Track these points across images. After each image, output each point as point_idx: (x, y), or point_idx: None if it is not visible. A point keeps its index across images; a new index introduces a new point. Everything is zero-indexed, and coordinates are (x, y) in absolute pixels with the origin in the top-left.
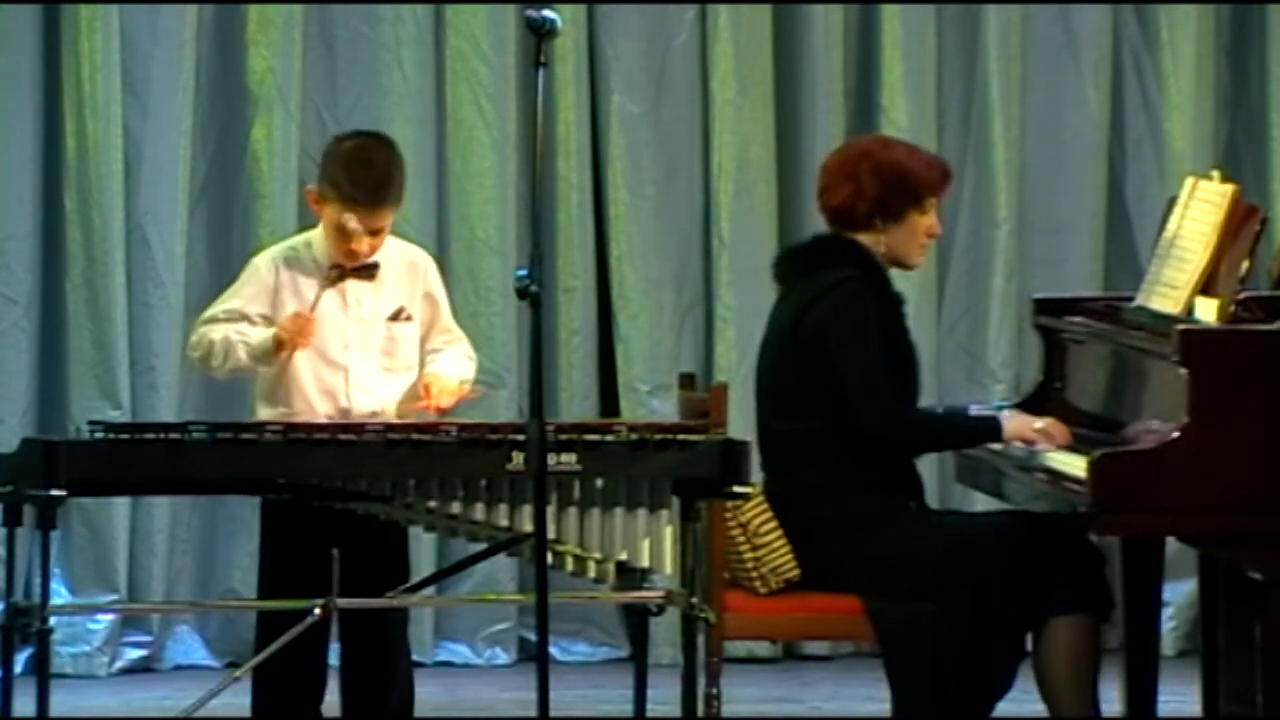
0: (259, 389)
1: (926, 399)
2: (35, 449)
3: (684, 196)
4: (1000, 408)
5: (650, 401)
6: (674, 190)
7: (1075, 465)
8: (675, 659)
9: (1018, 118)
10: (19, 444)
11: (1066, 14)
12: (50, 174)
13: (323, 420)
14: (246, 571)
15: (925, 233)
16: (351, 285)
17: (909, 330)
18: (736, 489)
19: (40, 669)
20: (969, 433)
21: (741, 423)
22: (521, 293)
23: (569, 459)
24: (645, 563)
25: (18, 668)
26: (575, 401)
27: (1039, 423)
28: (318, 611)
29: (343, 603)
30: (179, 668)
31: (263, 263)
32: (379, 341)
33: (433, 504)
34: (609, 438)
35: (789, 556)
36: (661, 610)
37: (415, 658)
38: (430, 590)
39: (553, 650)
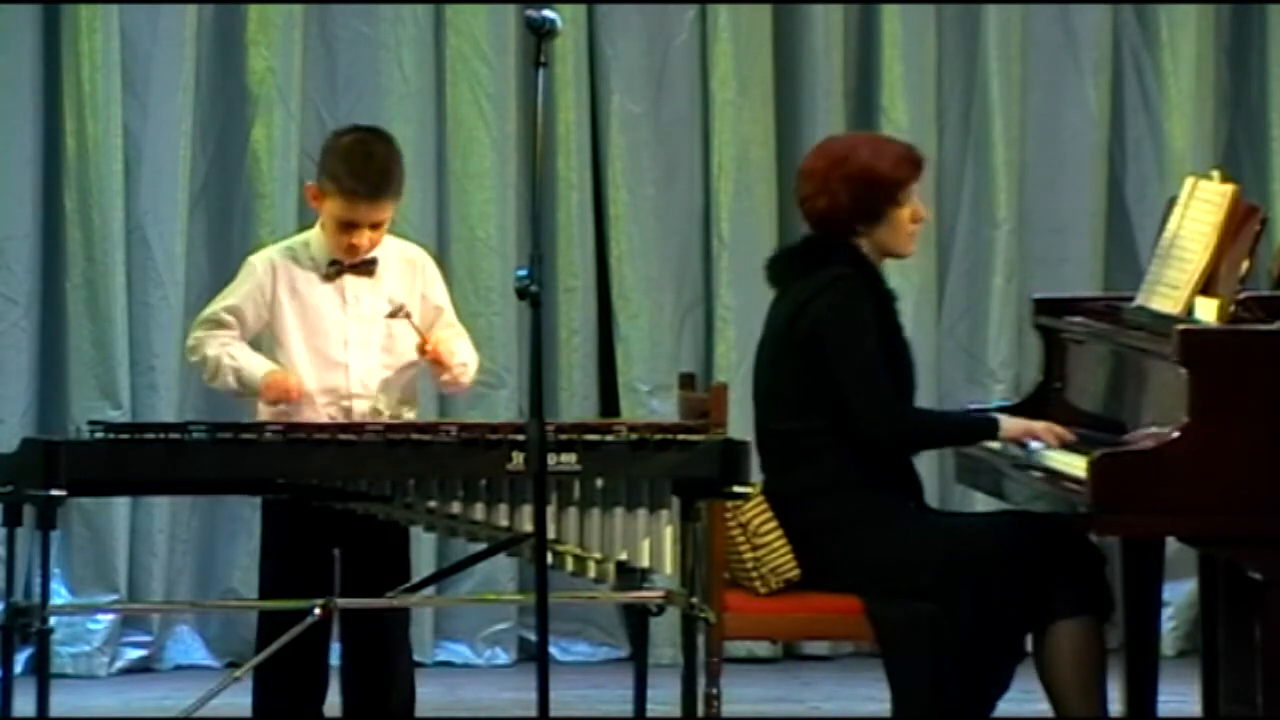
0: None
1: (926, 399)
2: (35, 449)
3: (684, 196)
4: (1001, 408)
5: (650, 401)
6: (674, 190)
7: (1075, 465)
8: (675, 659)
9: (1018, 118)
10: (19, 444)
11: (1066, 14)
12: (50, 174)
13: (325, 419)
14: (246, 571)
15: (910, 221)
16: (350, 282)
17: (903, 328)
18: (736, 489)
19: (40, 669)
20: (966, 430)
21: (741, 423)
22: (521, 293)
23: (569, 459)
24: (645, 563)
25: (18, 668)
26: (575, 401)
27: (1037, 423)
28: (318, 611)
29: (343, 603)
30: (179, 668)
31: (259, 261)
32: (379, 338)
33: (433, 504)
34: (609, 438)
35: (789, 556)
36: (661, 610)
37: (415, 658)
38: (430, 590)
39: (553, 650)
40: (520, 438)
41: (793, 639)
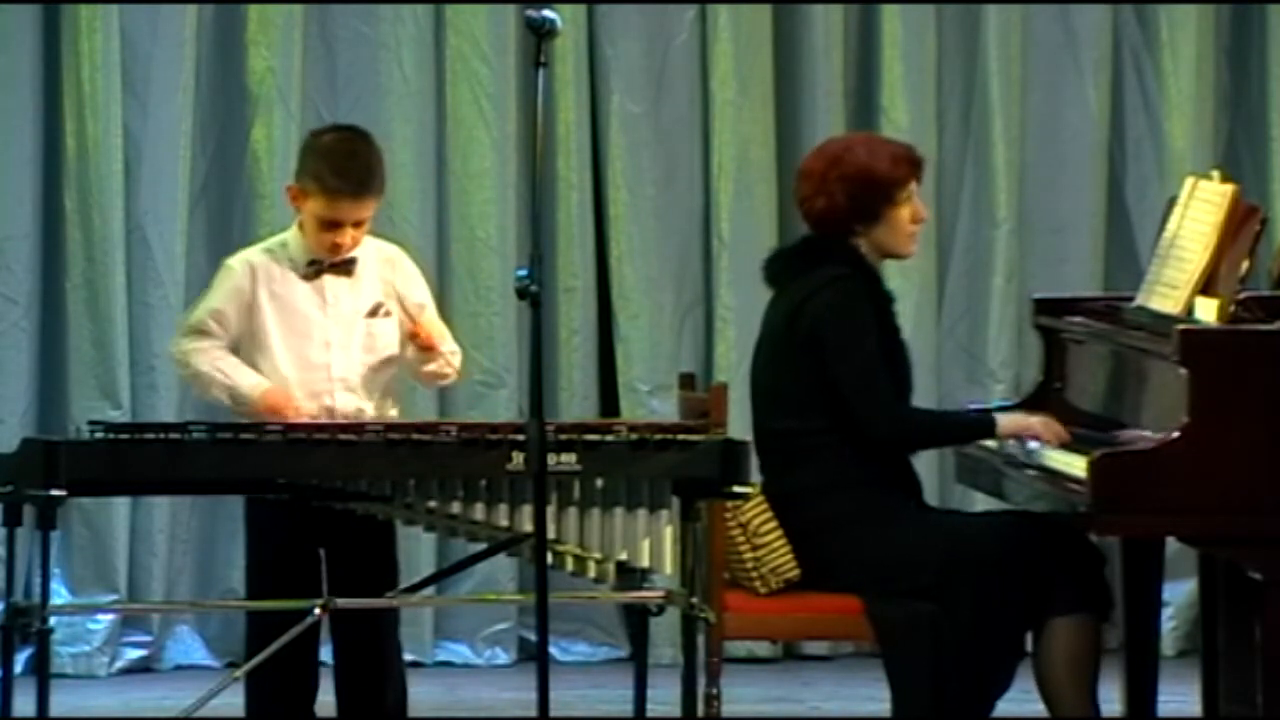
0: None
1: (926, 399)
2: (35, 449)
3: (684, 196)
4: (1001, 408)
5: (650, 401)
6: (674, 190)
7: (1075, 465)
8: (675, 659)
9: (1018, 118)
10: (19, 444)
11: (1066, 14)
12: (50, 174)
13: (307, 420)
14: (244, 571)
15: (910, 221)
16: (329, 282)
17: (900, 328)
18: (736, 489)
19: (40, 669)
20: (965, 429)
21: (741, 423)
22: (521, 293)
23: (569, 459)
24: (645, 563)
25: (18, 668)
26: (575, 401)
27: (1034, 418)
28: (317, 611)
29: (342, 603)
30: (179, 668)
31: (237, 263)
32: (359, 338)
33: (433, 504)
34: (609, 438)
35: (789, 556)
36: (661, 610)
37: (415, 658)
38: (430, 590)
39: (553, 650)
40: (520, 438)
41: (793, 639)
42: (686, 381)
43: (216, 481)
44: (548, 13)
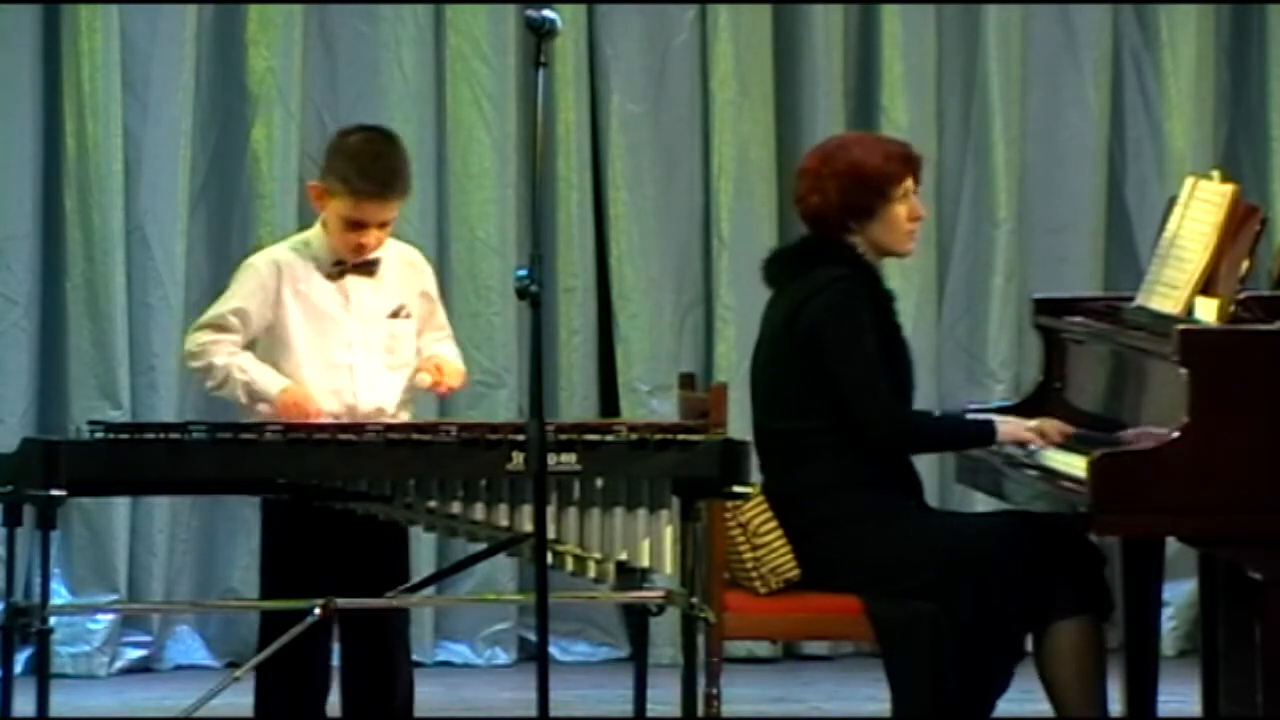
0: None
1: (926, 399)
2: (35, 449)
3: (684, 196)
4: (1001, 409)
5: (650, 401)
6: (674, 190)
7: (1075, 465)
8: (675, 659)
9: (1018, 118)
10: (19, 444)
11: (1066, 14)
12: (50, 174)
13: (329, 419)
14: (246, 571)
15: (907, 219)
16: (352, 283)
17: (901, 327)
18: (736, 489)
19: (40, 669)
20: (964, 435)
21: (741, 423)
22: (521, 293)
23: (569, 459)
24: (645, 563)
25: (18, 668)
26: (575, 401)
27: (1032, 422)
28: (318, 611)
29: (343, 603)
30: (179, 668)
31: (261, 262)
32: (381, 339)
33: (433, 504)
34: (609, 438)
35: (789, 556)
36: (661, 610)
37: (415, 658)
38: (430, 590)
39: (553, 650)
40: (520, 438)
41: (793, 639)
42: (686, 381)
43: (216, 481)
44: (548, 13)
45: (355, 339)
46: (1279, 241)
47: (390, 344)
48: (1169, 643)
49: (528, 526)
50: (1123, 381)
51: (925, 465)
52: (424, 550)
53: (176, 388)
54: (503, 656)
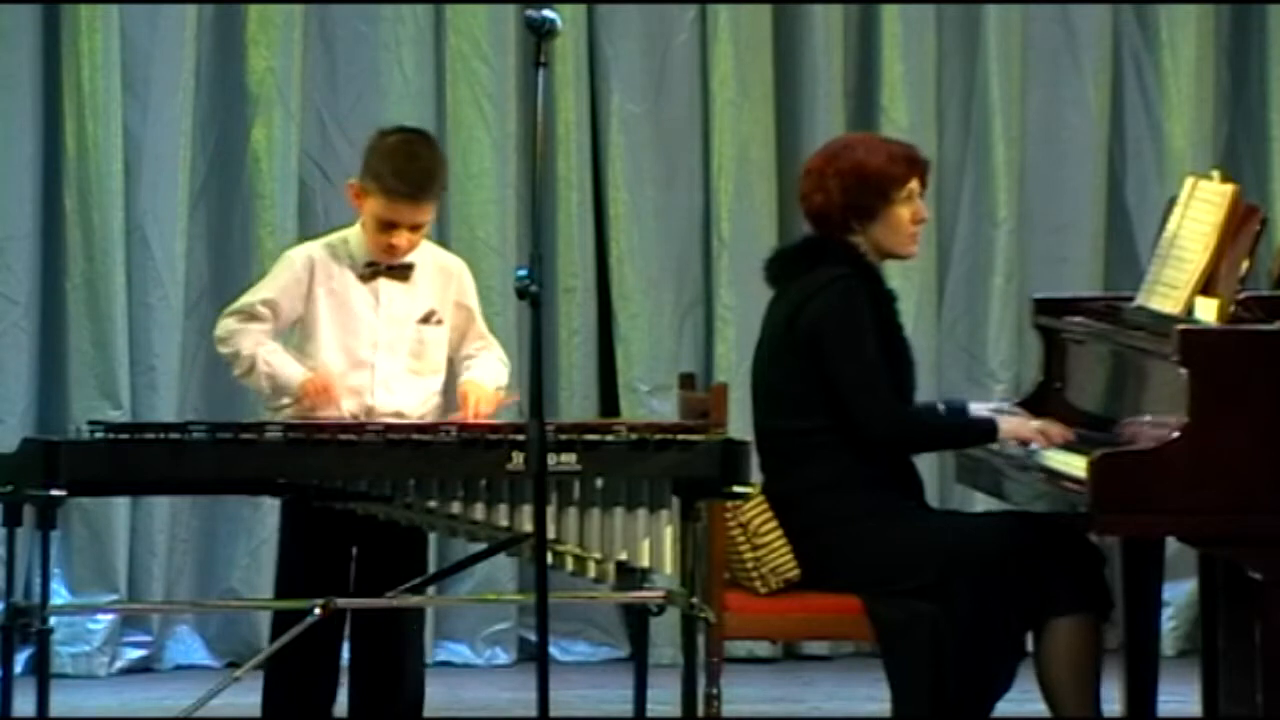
0: None
1: (926, 398)
2: (35, 449)
3: (684, 196)
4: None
5: (650, 401)
6: (674, 190)
7: (1075, 465)
8: (675, 659)
9: (1018, 118)
10: (19, 444)
11: (1066, 14)
12: (50, 174)
13: (348, 416)
14: (246, 571)
15: (910, 221)
16: (384, 285)
17: (903, 327)
18: (736, 489)
19: (40, 669)
20: (965, 432)
21: (741, 423)
22: (521, 293)
23: (569, 459)
24: (645, 563)
25: (18, 668)
26: (575, 401)
27: (1035, 422)
28: (318, 611)
29: (343, 603)
30: (179, 668)
31: (298, 256)
32: (408, 343)
33: (433, 504)
34: (609, 438)
35: (789, 556)
36: (661, 610)
37: None
38: (430, 590)
39: (553, 650)
40: (520, 438)
41: (793, 639)
42: (686, 381)
43: (216, 481)
44: (548, 13)
45: (381, 340)
46: (1279, 241)
47: (417, 349)
48: (1169, 643)
49: (528, 526)
50: (1123, 381)
51: (925, 465)
52: None
53: (176, 388)
54: (503, 656)
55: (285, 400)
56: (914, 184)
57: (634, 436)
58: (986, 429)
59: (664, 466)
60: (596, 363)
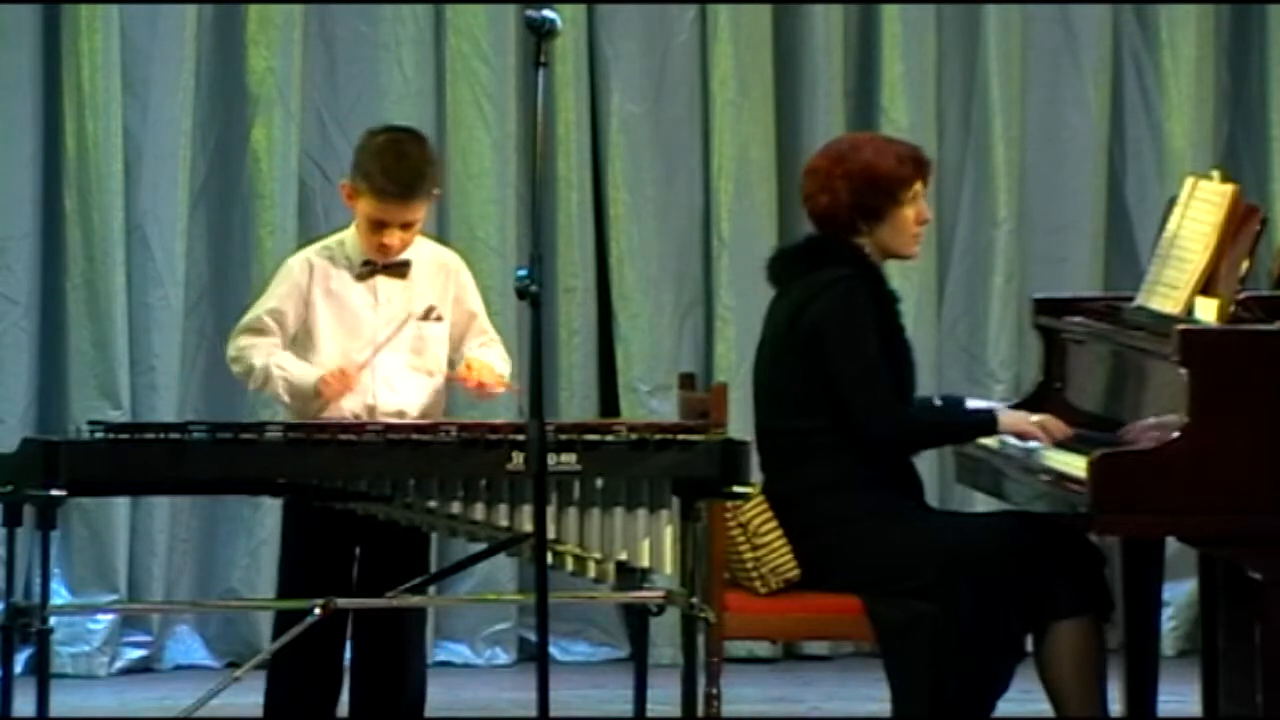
0: None
1: (923, 395)
2: (35, 449)
3: (684, 196)
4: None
5: (650, 401)
6: (674, 190)
7: (1075, 465)
8: (675, 659)
9: (1018, 118)
10: (19, 444)
11: (1066, 14)
12: (50, 174)
13: (350, 417)
14: (246, 571)
15: (914, 223)
16: (382, 283)
17: (904, 328)
18: (736, 489)
19: (40, 669)
20: (966, 428)
21: (741, 423)
22: (521, 293)
23: (569, 459)
24: (645, 563)
25: (18, 668)
26: (575, 401)
27: (1035, 417)
28: (318, 611)
29: (343, 602)
30: (179, 668)
31: (295, 262)
32: (408, 340)
33: (433, 504)
34: (609, 438)
35: (789, 556)
36: (661, 610)
37: None
38: (430, 590)
39: (553, 650)
40: (520, 438)
41: (793, 639)
42: (686, 381)
43: (216, 481)
44: (548, 13)
45: (381, 338)
46: (1279, 241)
47: (418, 345)
48: (1169, 643)
49: (528, 526)
50: (1123, 381)
51: (925, 465)
52: None
53: (176, 388)
54: (503, 656)
55: (315, 405)
56: (919, 185)
57: (634, 436)
58: (986, 423)
59: (664, 466)
60: (596, 363)
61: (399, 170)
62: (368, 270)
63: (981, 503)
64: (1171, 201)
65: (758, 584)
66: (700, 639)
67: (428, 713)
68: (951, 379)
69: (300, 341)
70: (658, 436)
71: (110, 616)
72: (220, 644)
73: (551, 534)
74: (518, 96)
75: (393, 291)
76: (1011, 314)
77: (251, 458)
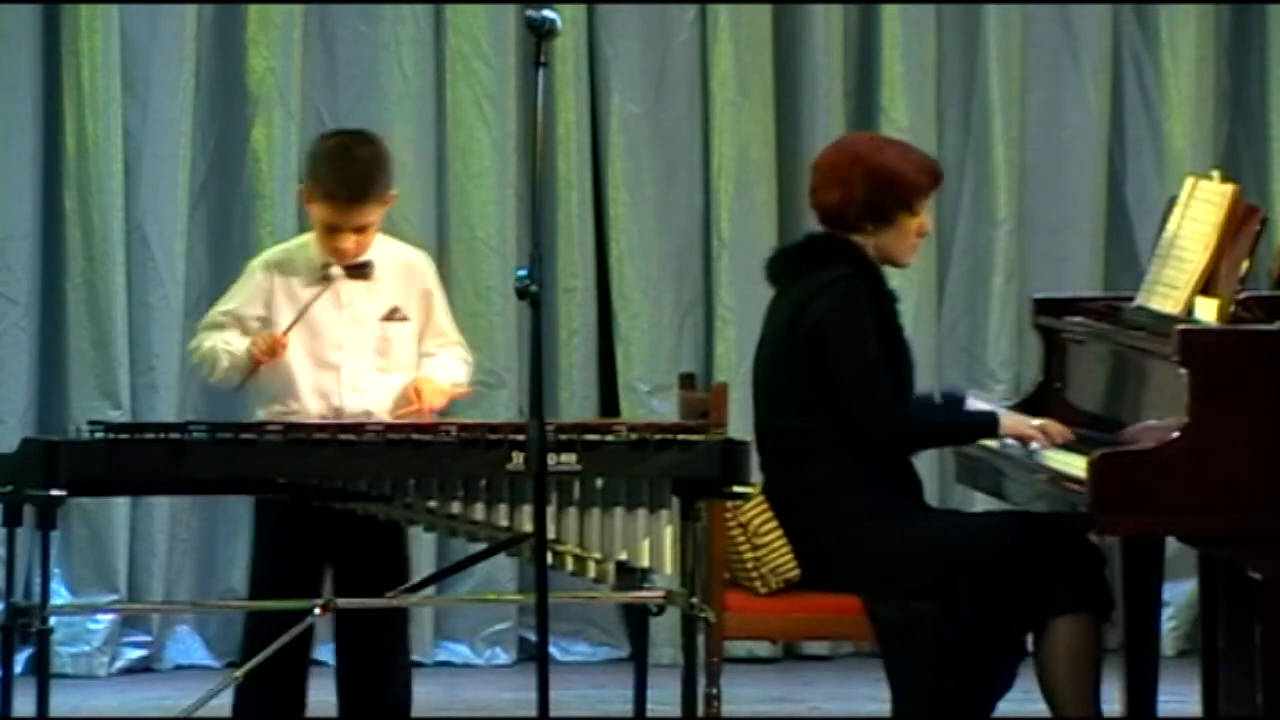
0: (255, 389)
1: (922, 392)
2: (35, 449)
3: (684, 196)
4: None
5: (650, 401)
6: (674, 190)
7: (1075, 465)
8: (675, 659)
9: (1018, 118)
10: (19, 444)
11: (1066, 14)
12: (50, 174)
13: (316, 420)
14: (246, 571)
15: (916, 233)
16: (346, 285)
17: (903, 328)
18: (736, 489)
19: (40, 669)
20: (966, 430)
21: (741, 423)
22: (521, 293)
23: (569, 459)
24: (645, 563)
25: (18, 668)
26: (575, 401)
27: (1036, 420)
28: (318, 611)
29: (343, 603)
30: (179, 668)
31: (258, 265)
32: (373, 341)
33: (433, 504)
34: (609, 438)
35: (789, 556)
36: (661, 610)
37: (415, 658)
38: (430, 590)
39: (553, 650)
40: (520, 438)
41: (793, 639)
42: (686, 381)
43: (216, 481)
44: (548, 13)
45: (346, 340)
46: (1279, 241)
47: (383, 346)
48: (1169, 643)
49: (528, 526)
50: (1123, 381)
51: (925, 465)
52: (424, 550)
53: (176, 388)
54: (503, 656)
55: (277, 407)
56: (929, 198)
57: (634, 436)
58: (987, 425)
59: (664, 466)
60: (596, 363)
61: (348, 175)
62: (329, 273)
63: (981, 503)
64: (1171, 201)
65: (758, 584)
66: (700, 639)
67: (428, 713)
68: (951, 379)
69: None
70: (658, 436)
71: (110, 616)
72: (220, 644)
73: (551, 534)
74: (518, 96)
75: (356, 293)
76: (1011, 314)
77: (251, 458)
